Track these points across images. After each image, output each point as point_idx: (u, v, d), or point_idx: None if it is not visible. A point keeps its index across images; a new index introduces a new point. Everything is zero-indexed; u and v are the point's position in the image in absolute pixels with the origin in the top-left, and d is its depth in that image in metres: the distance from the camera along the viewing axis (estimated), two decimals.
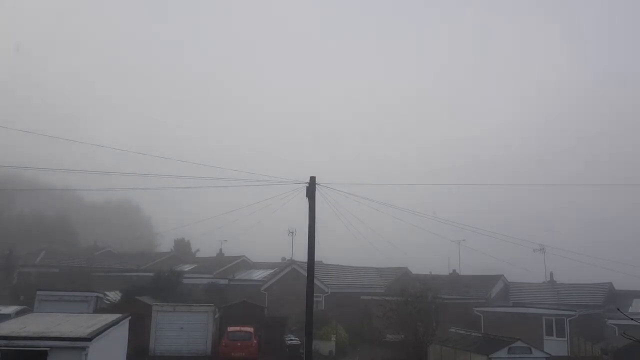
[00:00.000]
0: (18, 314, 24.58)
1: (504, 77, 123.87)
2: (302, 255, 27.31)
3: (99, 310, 29.74)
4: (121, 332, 18.82)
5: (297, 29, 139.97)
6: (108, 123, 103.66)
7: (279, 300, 36.04)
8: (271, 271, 42.32)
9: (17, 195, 55.90)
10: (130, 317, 19.98)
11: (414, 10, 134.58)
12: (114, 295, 34.54)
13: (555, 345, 30.26)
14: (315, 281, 24.67)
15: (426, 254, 51.11)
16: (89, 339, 14.06)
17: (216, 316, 29.25)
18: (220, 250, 52.34)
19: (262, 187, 21.54)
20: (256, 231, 36.00)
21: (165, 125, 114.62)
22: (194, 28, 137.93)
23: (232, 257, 49.40)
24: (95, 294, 32.45)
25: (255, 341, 27.01)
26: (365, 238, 27.41)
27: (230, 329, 27.58)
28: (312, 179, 19.94)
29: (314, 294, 20.89)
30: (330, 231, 28.76)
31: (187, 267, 46.67)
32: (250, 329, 27.64)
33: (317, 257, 20.38)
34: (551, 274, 44.12)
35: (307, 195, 19.86)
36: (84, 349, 13.81)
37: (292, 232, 46.56)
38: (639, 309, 34.57)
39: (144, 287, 34.55)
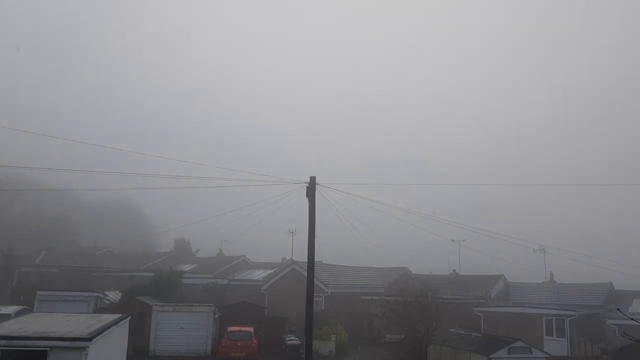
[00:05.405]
0: (18, 314, 24.60)
1: (512, 76, 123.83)
2: (302, 255, 27.31)
3: (99, 310, 29.78)
4: (121, 332, 18.84)
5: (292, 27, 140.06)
6: (108, 122, 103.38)
7: (279, 300, 36.03)
8: (271, 271, 42.32)
9: (17, 195, 55.88)
10: (130, 317, 20.00)
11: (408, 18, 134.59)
12: (114, 295, 34.57)
13: (555, 345, 30.25)
14: (315, 281, 24.66)
15: (426, 254, 51.10)
16: (89, 339, 14.08)
17: (216, 316, 29.26)
18: (220, 250, 52.32)
19: (262, 187, 21.60)
20: (256, 231, 36.04)
21: (165, 125, 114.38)
22: (188, 23, 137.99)
23: (232, 257, 49.38)
24: (95, 294, 32.48)
25: (255, 341, 27.01)
26: (365, 238, 27.48)
27: (230, 329, 27.58)
28: (312, 179, 19.97)
29: (314, 294, 20.90)
30: (330, 231, 28.80)
31: (187, 267, 46.67)
32: (250, 329, 27.65)
33: (317, 257, 20.42)
34: (551, 274, 44.12)
35: (307, 195, 19.90)
36: (84, 349, 13.84)
37: (292, 232, 46.65)
38: (639, 309, 34.58)
39: (144, 287, 34.56)
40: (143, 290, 33.52)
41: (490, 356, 21.43)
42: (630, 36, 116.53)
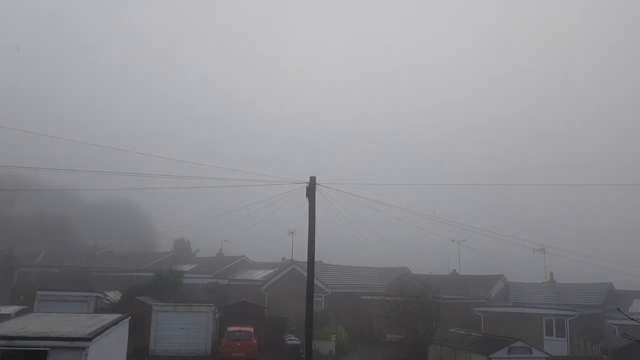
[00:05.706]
0: (18, 314, 24.60)
1: (504, 71, 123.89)
2: (302, 256, 27.32)
3: (99, 310, 29.78)
4: (121, 332, 18.84)
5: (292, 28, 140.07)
6: (108, 122, 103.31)
7: (279, 300, 36.04)
8: (271, 271, 42.33)
9: (17, 195, 55.90)
10: (130, 317, 20.01)
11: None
12: (114, 295, 34.57)
13: (555, 345, 30.26)
14: (315, 281, 24.68)
15: (426, 254, 51.12)
16: (89, 339, 14.08)
17: (216, 316, 29.27)
18: (220, 250, 52.31)
19: (262, 187, 21.60)
20: (256, 231, 36.05)
21: (165, 125, 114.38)
22: (188, 22, 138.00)
23: (232, 257, 49.39)
24: (95, 294, 32.47)
25: (255, 341, 27.02)
26: (365, 238, 27.50)
27: (230, 329, 27.59)
28: (312, 179, 19.97)
29: (314, 294, 20.91)
30: (330, 231, 28.81)
31: (187, 267, 46.68)
32: (250, 329, 27.66)
33: (317, 257, 20.42)
34: (551, 274, 44.13)
35: (307, 195, 19.89)
36: (84, 349, 13.83)
37: (292, 232, 46.66)
38: (639, 309, 34.60)
39: (144, 287, 34.58)
40: (143, 290, 33.52)
41: (490, 356, 21.45)
42: (630, 36, 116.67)
